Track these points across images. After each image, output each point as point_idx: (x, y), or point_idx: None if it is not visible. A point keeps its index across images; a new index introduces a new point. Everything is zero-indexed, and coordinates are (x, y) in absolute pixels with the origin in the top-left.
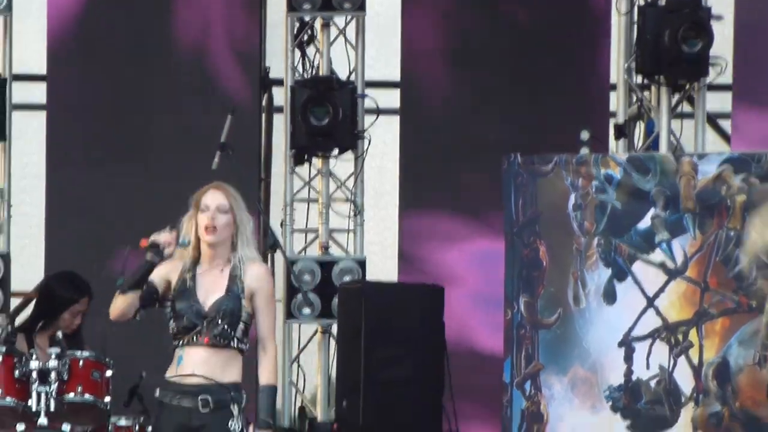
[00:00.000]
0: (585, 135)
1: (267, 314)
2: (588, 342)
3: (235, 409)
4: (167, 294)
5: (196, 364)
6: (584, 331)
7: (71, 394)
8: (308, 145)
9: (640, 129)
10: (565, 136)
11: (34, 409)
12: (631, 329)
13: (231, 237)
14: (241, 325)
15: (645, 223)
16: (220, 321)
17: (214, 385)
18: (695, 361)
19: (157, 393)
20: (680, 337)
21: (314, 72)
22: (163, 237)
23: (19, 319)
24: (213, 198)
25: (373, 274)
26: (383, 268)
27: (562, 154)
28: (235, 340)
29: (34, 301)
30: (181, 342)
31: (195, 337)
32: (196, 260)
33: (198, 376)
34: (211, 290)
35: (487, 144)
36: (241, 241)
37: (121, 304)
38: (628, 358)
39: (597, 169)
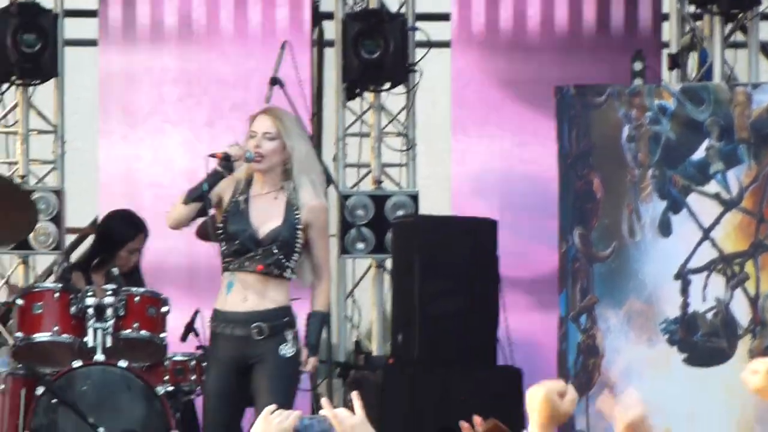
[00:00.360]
0: (638, 65)
1: (322, 245)
2: (644, 274)
3: (289, 335)
4: (217, 211)
5: (247, 290)
6: (639, 263)
7: (127, 331)
8: (360, 78)
9: (693, 59)
10: (618, 66)
11: (90, 345)
12: (686, 261)
13: (282, 163)
14: (295, 256)
15: (699, 153)
16: (276, 250)
17: (267, 311)
18: (752, 293)
19: (209, 323)
20: (736, 268)
21: (365, 5)
22: (234, 150)
23: (75, 256)
24: (260, 124)
25: (426, 208)
26: (436, 201)
27: (615, 85)
28: (289, 270)
29: (90, 238)
30: (230, 266)
31: (247, 263)
32: (248, 183)
33: (249, 303)
34: (265, 216)
35: (539, 75)
36: (297, 168)
37: (182, 211)
38: (684, 291)
39: (650, 100)
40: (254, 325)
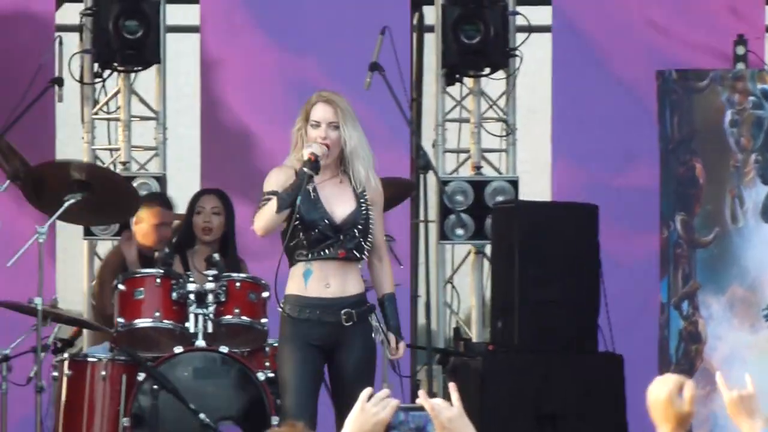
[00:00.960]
0: (740, 50)
1: (381, 225)
2: (746, 260)
3: (374, 320)
4: None
5: (329, 276)
6: (742, 249)
7: (228, 316)
8: (459, 63)
9: None
10: (720, 51)
11: (191, 331)
12: None
13: (341, 149)
14: (371, 237)
15: None
16: (356, 234)
17: (352, 297)
18: None
19: (288, 308)
20: None
21: None
22: (318, 149)
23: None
24: (323, 113)
25: (525, 194)
26: (535, 187)
27: (718, 69)
28: (366, 252)
29: None
30: (309, 255)
31: (327, 250)
32: None
33: (333, 289)
34: (338, 201)
35: (640, 59)
36: (351, 154)
37: (276, 219)
38: None
39: (753, 84)
40: (344, 311)
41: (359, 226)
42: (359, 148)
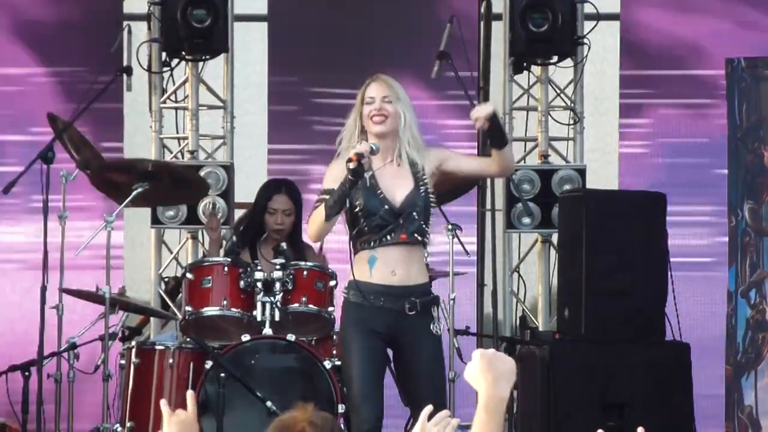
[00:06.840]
0: None
1: (462, 156)
2: None
3: (435, 311)
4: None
5: (395, 263)
6: None
7: (295, 305)
8: (527, 52)
9: None
10: None
11: (259, 319)
12: None
13: (396, 130)
14: (431, 219)
15: None
16: (416, 216)
17: (417, 286)
18: None
19: (351, 295)
20: None
21: None
22: (363, 147)
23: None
24: (377, 90)
25: (593, 182)
26: (603, 175)
27: None
28: (428, 235)
29: None
30: (372, 242)
31: (389, 236)
32: None
33: (399, 277)
34: (396, 186)
35: (709, 48)
36: (404, 133)
37: (327, 226)
38: None
39: None
40: (407, 300)
41: (418, 208)
42: (413, 128)
